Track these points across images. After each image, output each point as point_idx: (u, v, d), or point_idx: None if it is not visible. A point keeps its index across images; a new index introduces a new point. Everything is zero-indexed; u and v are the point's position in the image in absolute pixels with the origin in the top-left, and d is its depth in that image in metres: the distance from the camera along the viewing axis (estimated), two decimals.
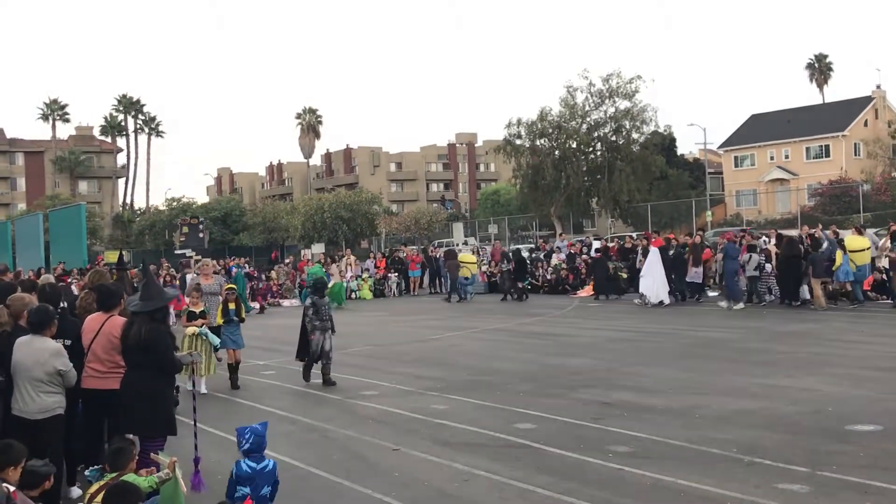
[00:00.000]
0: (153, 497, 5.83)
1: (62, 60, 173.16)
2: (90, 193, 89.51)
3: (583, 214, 67.44)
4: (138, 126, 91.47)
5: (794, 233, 24.79)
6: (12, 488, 5.20)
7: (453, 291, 27.52)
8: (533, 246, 37.82)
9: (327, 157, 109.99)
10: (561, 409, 9.80)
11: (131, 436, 6.55)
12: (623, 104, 55.59)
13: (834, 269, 19.34)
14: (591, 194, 59.54)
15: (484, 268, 31.86)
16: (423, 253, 36.69)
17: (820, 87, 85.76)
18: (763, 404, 9.63)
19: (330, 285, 23.27)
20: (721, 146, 71.45)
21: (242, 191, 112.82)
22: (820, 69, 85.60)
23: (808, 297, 19.84)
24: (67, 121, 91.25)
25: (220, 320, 12.58)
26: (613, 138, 56.77)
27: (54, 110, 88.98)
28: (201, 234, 38.49)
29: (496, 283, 29.73)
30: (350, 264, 32.91)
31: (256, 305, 27.38)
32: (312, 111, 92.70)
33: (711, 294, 23.04)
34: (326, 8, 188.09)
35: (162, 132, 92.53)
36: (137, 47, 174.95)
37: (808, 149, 65.07)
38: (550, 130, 57.00)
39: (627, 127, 56.09)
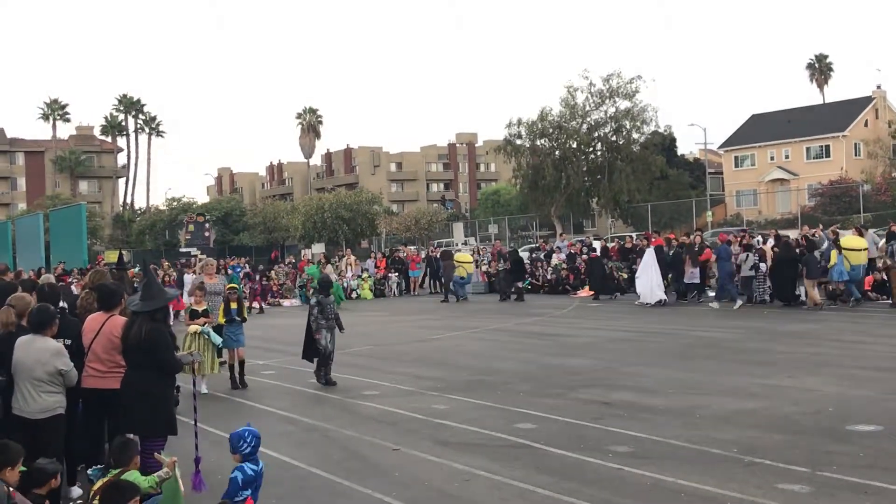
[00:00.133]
0: (155, 497, 5.84)
1: (62, 60, 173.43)
2: (90, 193, 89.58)
3: (583, 214, 67.50)
4: (139, 126, 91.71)
5: (794, 233, 24.82)
6: (11, 488, 5.21)
7: (448, 291, 27.52)
8: (534, 246, 37.82)
9: (327, 157, 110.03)
10: (561, 409, 9.80)
11: (132, 436, 6.56)
12: (623, 104, 55.73)
13: (829, 266, 19.41)
14: (591, 194, 59.57)
15: (484, 268, 31.89)
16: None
17: (820, 87, 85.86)
18: (763, 404, 9.64)
19: None
20: (721, 146, 71.47)
21: (243, 191, 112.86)
22: (820, 69, 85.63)
23: (804, 298, 19.87)
24: (68, 120, 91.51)
25: (221, 320, 12.58)
26: (614, 138, 56.80)
27: (55, 110, 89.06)
28: (207, 233, 38.35)
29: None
30: (350, 264, 32.93)
31: (255, 306, 27.36)
32: (313, 111, 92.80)
33: (712, 294, 23.03)
34: (326, 8, 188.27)
35: (162, 132, 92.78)
36: (137, 47, 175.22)
37: (808, 149, 65.07)
38: (551, 130, 57.04)
39: (628, 127, 56.14)
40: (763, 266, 20.89)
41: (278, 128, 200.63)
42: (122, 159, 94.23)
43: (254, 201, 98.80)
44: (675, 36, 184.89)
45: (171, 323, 16.28)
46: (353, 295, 30.93)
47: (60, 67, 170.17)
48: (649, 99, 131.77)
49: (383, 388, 11.92)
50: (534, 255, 31.99)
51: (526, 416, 9.51)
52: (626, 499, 6.60)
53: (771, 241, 22.07)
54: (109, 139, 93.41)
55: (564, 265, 29.21)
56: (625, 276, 25.60)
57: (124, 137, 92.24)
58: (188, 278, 25.19)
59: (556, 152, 57.59)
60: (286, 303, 30.62)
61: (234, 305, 12.69)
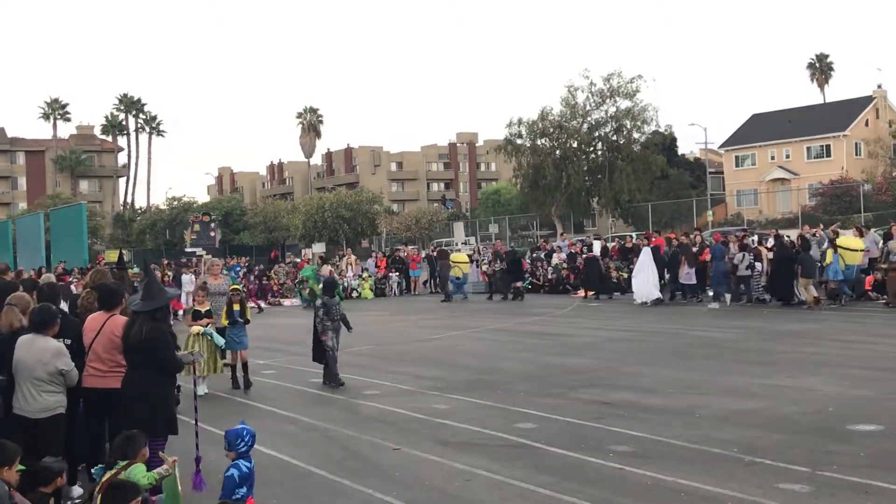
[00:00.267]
0: (157, 495, 5.85)
1: (63, 60, 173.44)
2: (91, 193, 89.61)
3: (584, 214, 67.42)
4: (139, 125, 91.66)
5: (794, 233, 24.83)
6: (11, 487, 5.23)
7: (444, 290, 27.50)
8: (534, 245, 37.80)
9: (328, 156, 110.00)
10: (561, 409, 9.81)
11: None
12: (624, 104, 55.68)
13: (824, 265, 19.47)
14: (591, 194, 59.55)
15: (484, 267, 31.87)
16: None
17: (821, 86, 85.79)
18: (763, 404, 9.64)
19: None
20: (722, 146, 71.46)
21: (243, 190, 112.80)
22: (821, 69, 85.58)
23: (802, 297, 19.91)
24: (68, 120, 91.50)
25: (224, 321, 12.52)
26: (614, 138, 56.79)
27: (55, 109, 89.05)
28: (213, 233, 38.26)
29: None
30: (351, 264, 32.93)
31: (252, 305, 27.34)
32: (313, 110, 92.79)
33: (711, 294, 23.04)
34: (327, 8, 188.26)
35: (163, 131, 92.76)
36: (138, 47, 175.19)
37: (808, 148, 65.06)
38: (551, 130, 57.02)
39: (628, 126, 56.11)
40: (759, 265, 20.97)
41: (279, 127, 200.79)
42: (122, 159, 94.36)
43: (254, 201, 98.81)
44: (675, 36, 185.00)
45: (171, 322, 16.25)
46: (354, 294, 30.94)
47: (61, 67, 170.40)
48: (650, 98, 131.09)
49: (384, 387, 11.93)
50: (534, 255, 31.99)
51: (526, 416, 9.51)
52: (627, 498, 6.61)
53: (771, 241, 22.10)
54: (110, 138, 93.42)
55: (565, 265, 29.23)
56: (625, 275, 25.62)
57: (125, 137, 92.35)
58: (186, 278, 25.23)
59: (557, 152, 57.57)
60: (286, 302, 30.65)
61: (236, 307, 12.64)
